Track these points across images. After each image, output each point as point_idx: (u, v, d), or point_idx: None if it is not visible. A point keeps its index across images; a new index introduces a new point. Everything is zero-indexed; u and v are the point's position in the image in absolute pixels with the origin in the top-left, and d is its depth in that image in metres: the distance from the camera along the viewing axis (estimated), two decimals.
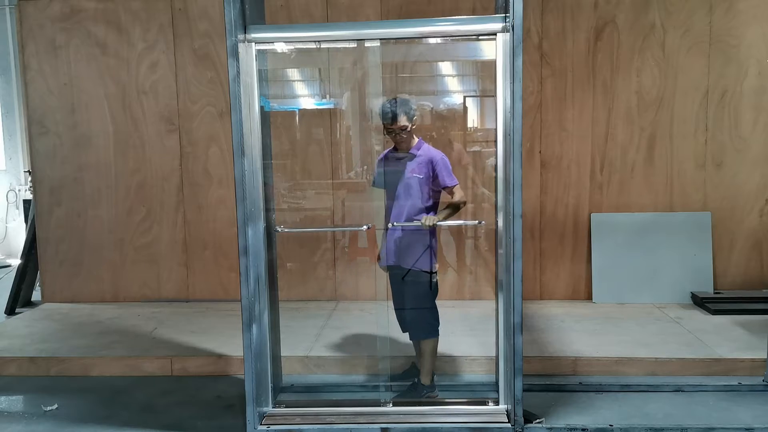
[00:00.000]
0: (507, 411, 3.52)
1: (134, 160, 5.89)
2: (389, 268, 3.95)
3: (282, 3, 5.62)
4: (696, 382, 4.07)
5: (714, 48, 5.48)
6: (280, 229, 3.70)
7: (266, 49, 3.57)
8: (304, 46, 3.86)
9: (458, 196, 3.83)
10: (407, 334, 4.02)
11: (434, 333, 3.91)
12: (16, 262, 7.17)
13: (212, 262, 5.92)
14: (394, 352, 4.36)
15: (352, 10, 5.58)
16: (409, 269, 3.83)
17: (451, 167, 3.86)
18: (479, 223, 4.04)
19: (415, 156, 3.80)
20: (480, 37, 3.54)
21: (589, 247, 5.68)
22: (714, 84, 5.51)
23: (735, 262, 5.67)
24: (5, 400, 4.19)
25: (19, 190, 8.44)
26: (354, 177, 5.84)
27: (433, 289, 3.91)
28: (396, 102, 3.71)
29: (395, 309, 3.98)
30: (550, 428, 3.49)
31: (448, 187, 3.82)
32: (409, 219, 3.78)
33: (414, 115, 3.71)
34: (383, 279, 4.77)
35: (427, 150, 3.83)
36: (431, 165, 3.79)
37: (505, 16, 3.26)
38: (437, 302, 3.98)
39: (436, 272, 3.90)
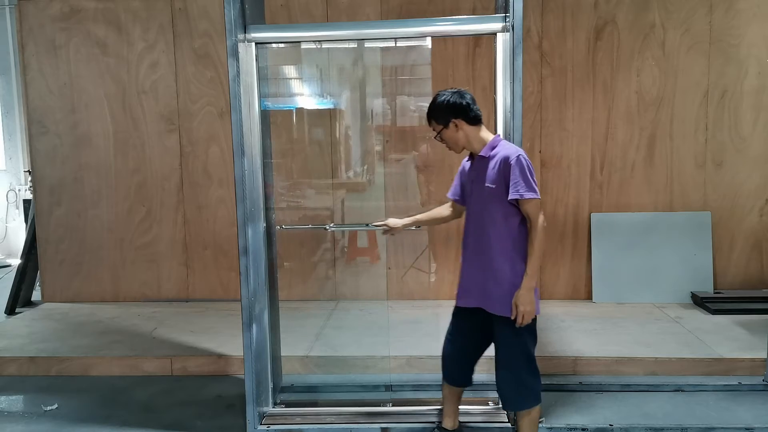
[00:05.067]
0: (507, 411, 3.51)
1: (134, 160, 5.88)
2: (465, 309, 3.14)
3: (282, 3, 5.62)
4: (696, 381, 4.07)
5: (714, 47, 5.47)
6: (281, 227, 3.70)
7: (266, 49, 3.57)
8: (305, 46, 3.84)
9: (533, 217, 2.83)
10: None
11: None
12: (16, 262, 7.17)
13: (212, 261, 5.92)
14: (394, 352, 4.36)
15: (352, 10, 5.57)
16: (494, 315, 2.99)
17: (532, 170, 2.86)
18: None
19: (488, 159, 2.95)
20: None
21: (589, 247, 5.68)
22: (714, 84, 5.51)
23: (735, 261, 5.66)
24: (5, 400, 4.19)
25: (19, 190, 8.43)
26: (353, 177, 5.85)
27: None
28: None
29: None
30: (550, 428, 3.49)
31: (517, 200, 2.84)
32: (484, 253, 2.93)
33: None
34: (383, 279, 4.77)
35: (503, 147, 2.95)
36: (505, 167, 2.86)
37: (505, 16, 3.26)
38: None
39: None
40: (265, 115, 3.63)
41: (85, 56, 5.82)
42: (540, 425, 3.48)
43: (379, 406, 3.71)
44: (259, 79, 3.49)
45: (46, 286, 6.06)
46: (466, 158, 3.16)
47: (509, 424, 3.42)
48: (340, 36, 3.76)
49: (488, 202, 2.91)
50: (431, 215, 3.38)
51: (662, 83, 5.52)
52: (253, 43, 3.41)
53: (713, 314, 5.19)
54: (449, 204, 3.31)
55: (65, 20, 5.79)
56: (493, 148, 2.94)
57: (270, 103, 3.79)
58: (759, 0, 5.41)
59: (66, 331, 5.17)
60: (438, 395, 3.94)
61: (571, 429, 3.47)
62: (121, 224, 5.93)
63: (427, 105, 3.07)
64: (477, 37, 5.44)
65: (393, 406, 3.70)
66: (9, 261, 8.17)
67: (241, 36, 3.27)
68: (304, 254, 5.87)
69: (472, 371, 3.24)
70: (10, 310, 5.87)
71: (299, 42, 3.81)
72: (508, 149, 2.90)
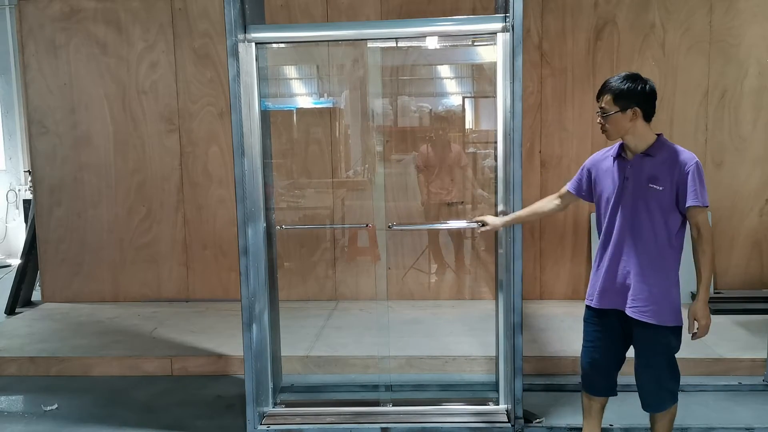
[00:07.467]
0: (507, 411, 3.52)
1: (134, 160, 5.88)
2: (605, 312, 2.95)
3: (282, 3, 5.62)
4: (696, 382, 4.06)
5: (714, 48, 5.47)
6: (282, 227, 3.70)
7: (266, 49, 3.57)
8: (304, 46, 3.84)
9: (703, 226, 2.72)
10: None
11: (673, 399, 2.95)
12: (16, 262, 7.17)
13: (212, 261, 5.92)
14: (394, 352, 4.36)
15: (352, 10, 5.57)
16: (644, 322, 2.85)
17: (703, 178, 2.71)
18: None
19: (651, 158, 2.76)
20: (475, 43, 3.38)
21: (589, 247, 5.68)
22: (714, 84, 5.51)
23: (735, 262, 5.66)
24: (5, 400, 4.19)
25: (19, 190, 8.43)
26: (353, 176, 5.85)
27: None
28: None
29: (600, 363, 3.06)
30: (550, 428, 3.49)
31: (691, 207, 2.68)
32: (636, 254, 2.79)
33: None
34: (383, 279, 4.77)
35: (674, 149, 2.75)
36: (680, 172, 2.69)
37: (505, 16, 3.26)
38: None
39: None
40: (265, 115, 3.63)
41: (85, 56, 5.82)
42: (540, 425, 3.50)
43: (379, 406, 3.71)
44: (259, 79, 3.49)
45: (46, 286, 6.06)
46: (611, 154, 2.92)
47: (509, 424, 3.42)
48: (340, 36, 3.76)
49: (649, 204, 2.74)
50: (533, 210, 3.22)
51: (662, 83, 5.51)
52: (253, 43, 3.41)
53: (713, 314, 5.16)
54: (555, 196, 3.18)
55: (65, 20, 5.79)
56: (660, 147, 2.76)
57: (270, 103, 3.79)
58: (759, 0, 5.41)
59: (66, 331, 5.17)
60: (438, 395, 3.96)
61: (571, 429, 3.47)
62: (121, 224, 5.93)
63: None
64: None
65: (393, 406, 3.70)
66: (9, 261, 8.17)
67: (241, 36, 3.27)
68: (304, 254, 5.88)
69: (616, 377, 3.07)
70: (10, 310, 5.87)
71: (299, 42, 3.80)
72: (683, 153, 2.72)
